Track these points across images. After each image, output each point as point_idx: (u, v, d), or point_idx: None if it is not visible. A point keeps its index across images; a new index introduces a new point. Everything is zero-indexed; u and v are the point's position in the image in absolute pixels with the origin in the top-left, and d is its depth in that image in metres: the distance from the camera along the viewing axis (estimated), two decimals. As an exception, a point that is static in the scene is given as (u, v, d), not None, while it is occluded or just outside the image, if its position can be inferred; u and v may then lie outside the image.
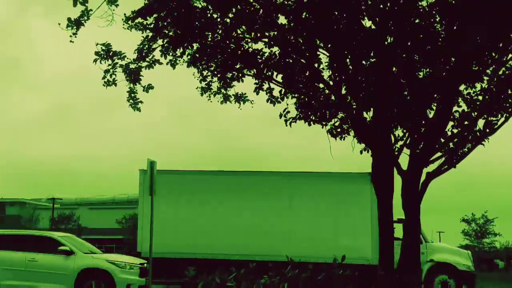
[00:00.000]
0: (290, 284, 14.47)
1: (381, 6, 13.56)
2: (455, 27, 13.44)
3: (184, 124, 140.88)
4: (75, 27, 12.96)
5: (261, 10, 13.57)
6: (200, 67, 15.05)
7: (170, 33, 13.97)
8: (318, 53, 14.79)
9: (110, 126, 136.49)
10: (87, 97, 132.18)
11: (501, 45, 13.52)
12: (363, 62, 14.71)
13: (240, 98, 16.08)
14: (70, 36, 13.07)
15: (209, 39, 14.21)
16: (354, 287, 14.99)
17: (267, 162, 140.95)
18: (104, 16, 12.69)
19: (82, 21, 12.85)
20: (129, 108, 14.40)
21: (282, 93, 15.62)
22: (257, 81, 15.43)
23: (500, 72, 14.42)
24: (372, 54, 14.38)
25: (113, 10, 12.69)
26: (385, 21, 13.66)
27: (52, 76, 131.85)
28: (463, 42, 13.07)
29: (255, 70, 15.07)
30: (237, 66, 14.85)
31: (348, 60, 14.56)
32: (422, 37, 13.47)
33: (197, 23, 13.58)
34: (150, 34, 13.96)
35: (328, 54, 14.68)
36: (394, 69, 14.43)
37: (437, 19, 13.68)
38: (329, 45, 14.27)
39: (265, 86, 15.56)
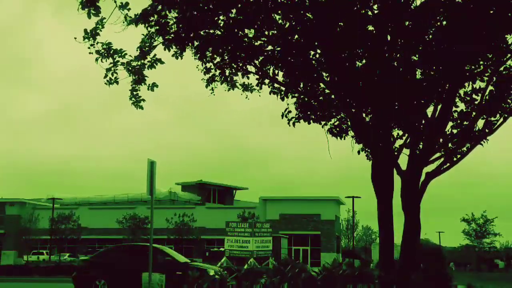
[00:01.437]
0: (290, 284, 14.52)
1: (380, 5, 13.58)
2: (446, 26, 13.46)
3: (185, 124, 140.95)
4: (91, 39, 13.04)
5: (261, 9, 13.57)
6: (204, 59, 15.07)
7: (172, 30, 13.97)
8: (316, 53, 14.82)
9: (111, 126, 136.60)
10: (88, 97, 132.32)
11: (493, 44, 13.54)
12: (361, 62, 14.73)
13: (248, 88, 16.11)
14: (89, 48, 13.17)
15: (211, 34, 14.22)
16: (354, 287, 15.03)
17: (268, 162, 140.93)
18: (118, 22, 12.73)
19: (98, 31, 12.95)
20: (130, 108, 14.52)
21: (283, 92, 15.64)
22: (258, 77, 15.50)
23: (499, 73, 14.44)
24: (370, 54, 14.40)
25: (126, 14, 12.74)
26: (383, 22, 13.68)
27: (53, 76, 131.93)
28: (456, 43, 13.09)
29: (255, 67, 15.11)
30: (240, 62, 14.89)
31: (346, 60, 14.58)
32: (417, 37, 13.50)
33: (198, 20, 13.58)
34: (153, 29, 13.96)
35: (326, 54, 14.69)
36: (393, 69, 14.44)
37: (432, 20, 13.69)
38: (328, 45, 14.29)
39: (267, 80, 15.64)
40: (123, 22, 13.52)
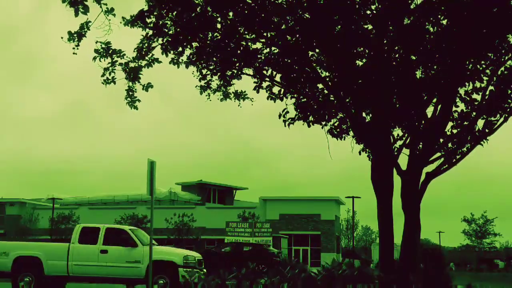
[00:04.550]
0: (290, 284, 14.50)
1: (378, 5, 13.57)
2: (447, 26, 13.44)
3: (185, 124, 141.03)
4: (77, 40, 13.04)
5: (259, 11, 13.54)
6: (200, 65, 15.04)
7: (170, 32, 13.96)
8: (315, 53, 14.80)
9: (111, 126, 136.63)
10: (88, 98, 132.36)
11: (496, 44, 13.54)
12: (360, 62, 14.72)
13: (240, 96, 16.07)
14: (73, 48, 13.16)
15: (209, 38, 14.21)
16: (354, 287, 15.02)
17: (268, 162, 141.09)
18: (102, 26, 12.71)
19: (83, 32, 12.94)
20: (130, 109, 14.42)
21: (282, 93, 15.61)
22: (256, 80, 15.42)
23: (499, 73, 14.44)
24: (369, 54, 14.39)
25: (110, 20, 12.72)
26: (382, 21, 13.67)
27: (53, 76, 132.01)
28: (457, 42, 13.09)
29: (253, 69, 15.07)
30: (237, 65, 14.85)
31: (345, 60, 14.55)
32: (416, 37, 13.49)
33: (195, 23, 13.56)
34: (150, 32, 13.96)
35: (325, 54, 14.67)
36: (392, 69, 14.42)
37: (431, 19, 13.67)
38: (327, 45, 14.27)
39: (265, 84, 15.58)
40: (120, 22, 13.52)
